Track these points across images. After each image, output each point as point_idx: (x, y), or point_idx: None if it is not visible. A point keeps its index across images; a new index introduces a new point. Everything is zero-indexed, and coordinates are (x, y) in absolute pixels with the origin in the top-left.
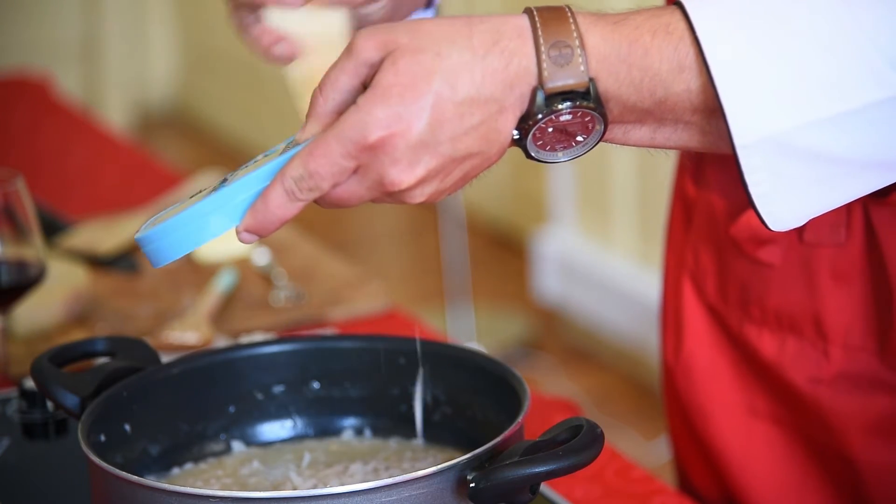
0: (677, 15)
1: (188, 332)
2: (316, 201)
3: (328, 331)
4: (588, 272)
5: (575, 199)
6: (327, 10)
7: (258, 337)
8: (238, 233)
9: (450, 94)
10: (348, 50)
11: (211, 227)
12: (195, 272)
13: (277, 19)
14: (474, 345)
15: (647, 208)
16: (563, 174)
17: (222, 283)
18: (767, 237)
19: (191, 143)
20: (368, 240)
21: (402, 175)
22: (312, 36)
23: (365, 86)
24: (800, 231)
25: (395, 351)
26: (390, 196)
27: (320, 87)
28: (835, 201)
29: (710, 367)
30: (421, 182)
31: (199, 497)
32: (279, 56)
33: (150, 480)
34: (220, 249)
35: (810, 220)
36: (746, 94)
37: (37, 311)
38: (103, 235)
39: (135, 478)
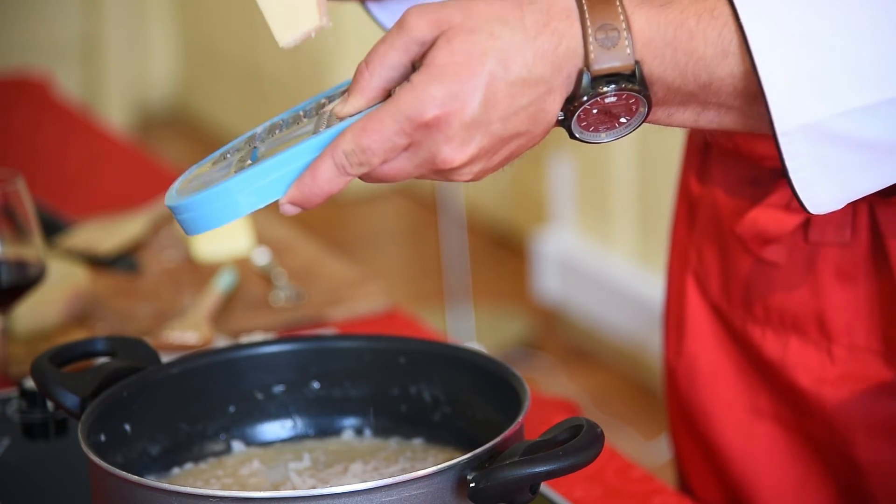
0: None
1: (188, 332)
2: (361, 177)
3: (328, 331)
4: (588, 272)
5: (575, 199)
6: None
7: (258, 337)
8: (281, 205)
9: (503, 75)
10: (399, 27)
11: (252, 199)
12: (195, 272)
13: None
14: (474, 345)
15: (647, 208)
16: (563, 174)
17: (222, 283)
18: (772, 236)
19: (191, 143)
20: (368, 240)
21: (455, 153)
22: None
23: (413, 64)
24: (804, 230)
25: (395, 351)
26: (438, 174)
27: (367, 62)
28: (876, 185)
29: (712, 366)
30: (471, 161)
31: (199, 497)
32: None
33: (150, 480)
34: (220, 249)
35: (815, 220)
36: (789, 81)
37: (37, 311)
38: (103, 235)
39: (135, 478)
